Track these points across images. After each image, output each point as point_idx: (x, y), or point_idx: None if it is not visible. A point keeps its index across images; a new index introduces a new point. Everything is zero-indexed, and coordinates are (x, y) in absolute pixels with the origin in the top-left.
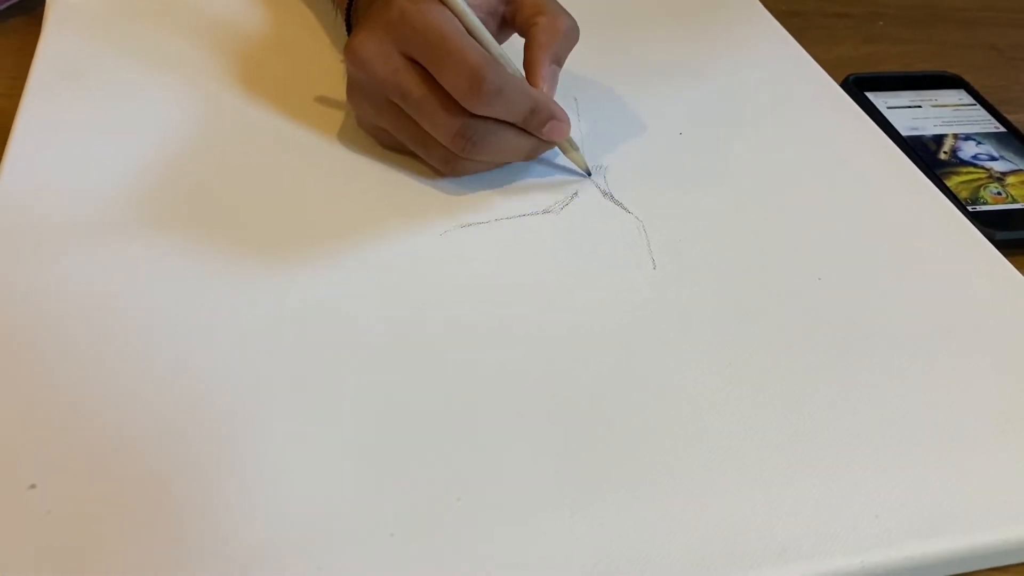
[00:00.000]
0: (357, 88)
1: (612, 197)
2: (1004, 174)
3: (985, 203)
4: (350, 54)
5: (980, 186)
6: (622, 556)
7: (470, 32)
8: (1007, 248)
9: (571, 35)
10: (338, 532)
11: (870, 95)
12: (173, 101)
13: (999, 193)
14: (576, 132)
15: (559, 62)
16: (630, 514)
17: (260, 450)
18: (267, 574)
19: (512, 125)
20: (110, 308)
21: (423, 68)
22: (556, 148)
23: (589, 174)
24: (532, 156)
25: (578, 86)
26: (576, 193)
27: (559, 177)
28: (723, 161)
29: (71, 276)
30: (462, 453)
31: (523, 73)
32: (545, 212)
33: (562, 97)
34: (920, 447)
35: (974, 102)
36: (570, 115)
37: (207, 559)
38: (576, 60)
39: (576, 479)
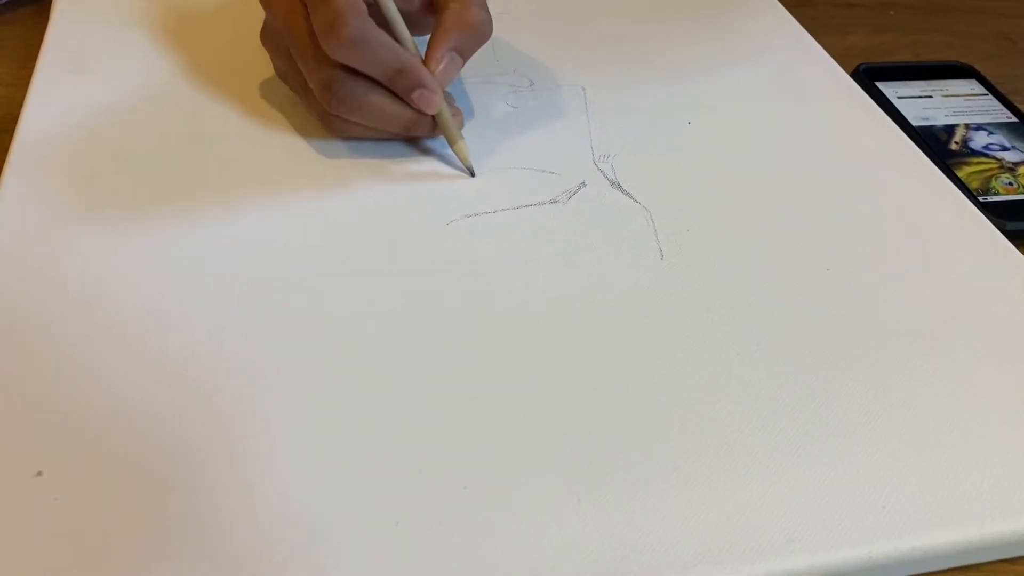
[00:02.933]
0: (266, 30)
1: (620, 187)
2: (1015, 164)
3: (996, 193)
4: None
5: (991, 176)
6: (629, 545)
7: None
8: (1018, 239)
9: (480, 29)
10: (343, 520)
11: (880, 85)
12: (181, 90)
13: (1010, 183)
14: (583, 122)
15: (461, 53)
16: (637, 503)
17: (267, 437)
18: (272, 561)
19: (383, 88)
20: (116, 294)
21: None
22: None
23: (473, 174)
24: (412, 131)
25: (586, 76)
26: (584, 183)
27: (566, 167)
28: (732, 151)
29: (77, 266)
30: (469, 441)
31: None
32: (552, 202)
33: (570, 87)
34: (928, 437)
35: (985, 92)
36: (577, 105)
37: (213, 546)
38: (585, 50)
39: (583, 467)
